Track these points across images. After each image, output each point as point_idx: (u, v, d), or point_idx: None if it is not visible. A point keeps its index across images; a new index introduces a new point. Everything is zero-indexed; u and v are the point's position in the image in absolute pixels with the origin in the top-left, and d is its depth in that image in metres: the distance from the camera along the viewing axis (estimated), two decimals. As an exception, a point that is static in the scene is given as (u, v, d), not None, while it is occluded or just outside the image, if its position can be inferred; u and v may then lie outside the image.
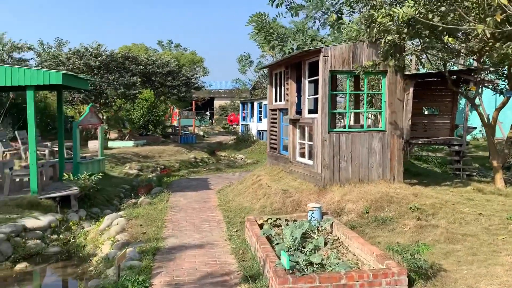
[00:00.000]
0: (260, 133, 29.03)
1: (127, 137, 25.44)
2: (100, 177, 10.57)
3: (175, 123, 36.32)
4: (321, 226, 7.11)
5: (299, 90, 11.37)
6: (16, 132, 16.74)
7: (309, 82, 9.81)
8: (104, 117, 30.87)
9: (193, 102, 34.91)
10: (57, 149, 16.57)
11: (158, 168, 17.47)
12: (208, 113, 59.53)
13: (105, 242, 7.73)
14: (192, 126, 36.07)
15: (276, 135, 11.71)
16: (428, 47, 9.29)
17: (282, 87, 11.42)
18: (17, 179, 10.29)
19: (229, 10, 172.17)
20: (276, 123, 11.70)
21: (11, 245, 7.61)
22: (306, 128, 9.85)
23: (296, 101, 10.59)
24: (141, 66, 22.83)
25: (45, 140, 20.35)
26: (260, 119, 29.24)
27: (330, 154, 8.87)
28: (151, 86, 24.18)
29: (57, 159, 14.68)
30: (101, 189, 11.78)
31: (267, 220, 7.43)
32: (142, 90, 25.01)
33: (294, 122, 10.37)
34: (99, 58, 21.85)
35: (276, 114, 11.71)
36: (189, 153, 23.09)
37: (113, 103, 24.83)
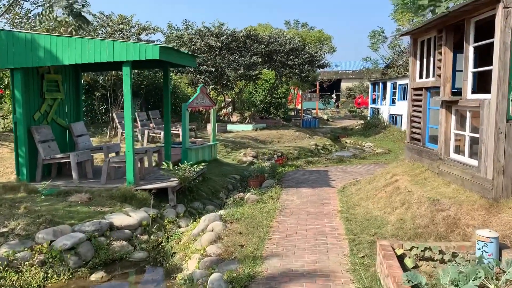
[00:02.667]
0: (392, 117, 25.67)
1: (247, 120, 24.46)
2: (202, 167, 9.17)
3: (299, 106, 34.65)
4: (502, 269, 4.51)
5: (454, 63, 8.50)
6: (136, 114, 16.58)
7: (475, 49, 6.95)
8: (228, 100, 30.60)
9: (317, 84, 32.66)
10: (176, 132, 16.05)
11: (275, 156, 15.83)
12: (334, 95, 56.78)
13: (193, 254, 6.17)
14: (315, 109, 33.99)
15: (420, 122, 9.00)
16: None
17: (431, 59, 8.64)
18: (120, 166, 9.41)
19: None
20: (420, 106, 8.98)
21: (92, 246, 6.52)
22: (468, 114, 7.04)
23: (451, 77, 7.77)
24: (262, 45, 21.33)
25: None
26: (393, 102, 25.83)
27: (508, 153, 6.01)
28: (272, 65, 22.62)
29: (175, 143, 13.95)
30: (208, 179, 10.49)
31: (410, 250, 5.07)
32: (263, 71, 23.63)
33: (448, 105, 7.60)
34: (221, 38, 20.92)
35: (420, 95, 8.98)
36: (310, 139, 21.10)
37: (234, 85, 23.95)
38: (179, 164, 9.37)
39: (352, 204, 8.35)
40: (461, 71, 8.09)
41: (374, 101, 30.01)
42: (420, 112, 8.98)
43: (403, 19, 22.59)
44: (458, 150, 7.58)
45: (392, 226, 6.66)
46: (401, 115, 24.36)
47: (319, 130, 25.74)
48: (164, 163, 8.84)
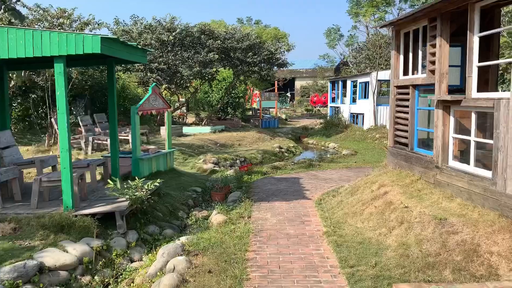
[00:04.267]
0: (353, 116, 25.03)
1: (204, 121, 22.96)
2: (158, 183, 7.67)
3: (254, 105, 33.45)
4: None
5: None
6: (79, 118, 14.68)
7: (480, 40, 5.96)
8: (183, 100, 28.86)
9: (276, 82, 31.66)
10: (126, 137, 14.35)
11: (238, 161, 14.50)
12: (289, 94, 56.50)
13: (150, 307, 4.73)
14: (273, 108, 32.96)
15: (407, 125, 7.98)
16: None
17: (419, 53, 7.64)
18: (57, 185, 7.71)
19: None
20: (407, 106, 7.95)
21: (13, 300, 4.91)
22: (474, 116, 6.04)
23: (448, 73, 6.78)
24: (219, 41, 19.91)
25: (120, 126, 18.42)
26: (353, 100, 25.18)
27: (531, 163, 5.03)
28: (230, 63, 21.25)
29: (124, 152, 12.33)
30: (165, 194, 8.99)
31: (439, 296, 3.91)
32: (220, 69, 22.23)
33: (446, 105, 6.59)
34: (173, 33, 19.29)
35: (406, 93, 7.95)
36: (272, 141, 19.95)
37: (189, 84, 22.35)
38: (130, 177, 7.85)
39: (337, 221, 7.17)
40: (454, 66, 7.17)
41: (333, 99, 29.36)
42: (406, 113, 7.96)
43: (366, 14, 22.12)
44: (462, 157, 6.60)
45: (393, 253, 5.52)
46: (363, 113, 23.76)
47: (280, 131, 24.68)
48: (109, 181, 7.24)
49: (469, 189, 5.89)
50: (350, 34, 33.73)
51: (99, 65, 16.80)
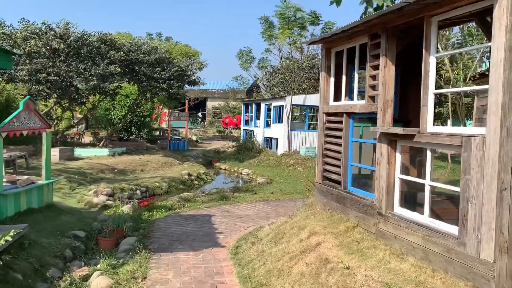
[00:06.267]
0: (267, 140, 24.05)
1: (102, 142, 20.27)
2: (11, 239, 5.45)
3: (163, 124, 31.22)
4: None
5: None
6: None
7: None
8: (79, 116, 25.82)
9: (187, 102, 29.81)
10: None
11: (138, 192, 12.41)
12: (200, 114, 55.27)
13: None
14: (183, 128, 31.03)
15: (339, 158, 6.72)
16: None
17: (355, 75, 6.50)
18: None
19: (226, 4, 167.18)
20: (339, 137, 6.72)
21: None
22: (428, 154, 4.90)
23: (393, 100, 5.65)
24: (122, 53, 17.69)
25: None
26: (267, 124, 24.25)
27: None
28: (134, 78, 19.05)
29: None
30: (31, 244, 6.71)
31: None
32: (123, 84, 19.91)
33: (392, 139, 5.41)
34: (67, 41, 16.69)
35: (339, 122, 6.73)
36: (181, 166, 18.06)
37: (86, 100, 19.62)
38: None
39: (259, 283, 5.58)
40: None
41: (247, 122, 28.25)
42: (339, 145, 6.73)
43: (281, 36, 21.56)
44: (409, 203, 5.45)
45: None
46: (277, 138, 22.90)
47: (190, 154, 22.84)
48: None
49: (426, 246, 4.68)
50: (262, 57, 33.24)
51: None
